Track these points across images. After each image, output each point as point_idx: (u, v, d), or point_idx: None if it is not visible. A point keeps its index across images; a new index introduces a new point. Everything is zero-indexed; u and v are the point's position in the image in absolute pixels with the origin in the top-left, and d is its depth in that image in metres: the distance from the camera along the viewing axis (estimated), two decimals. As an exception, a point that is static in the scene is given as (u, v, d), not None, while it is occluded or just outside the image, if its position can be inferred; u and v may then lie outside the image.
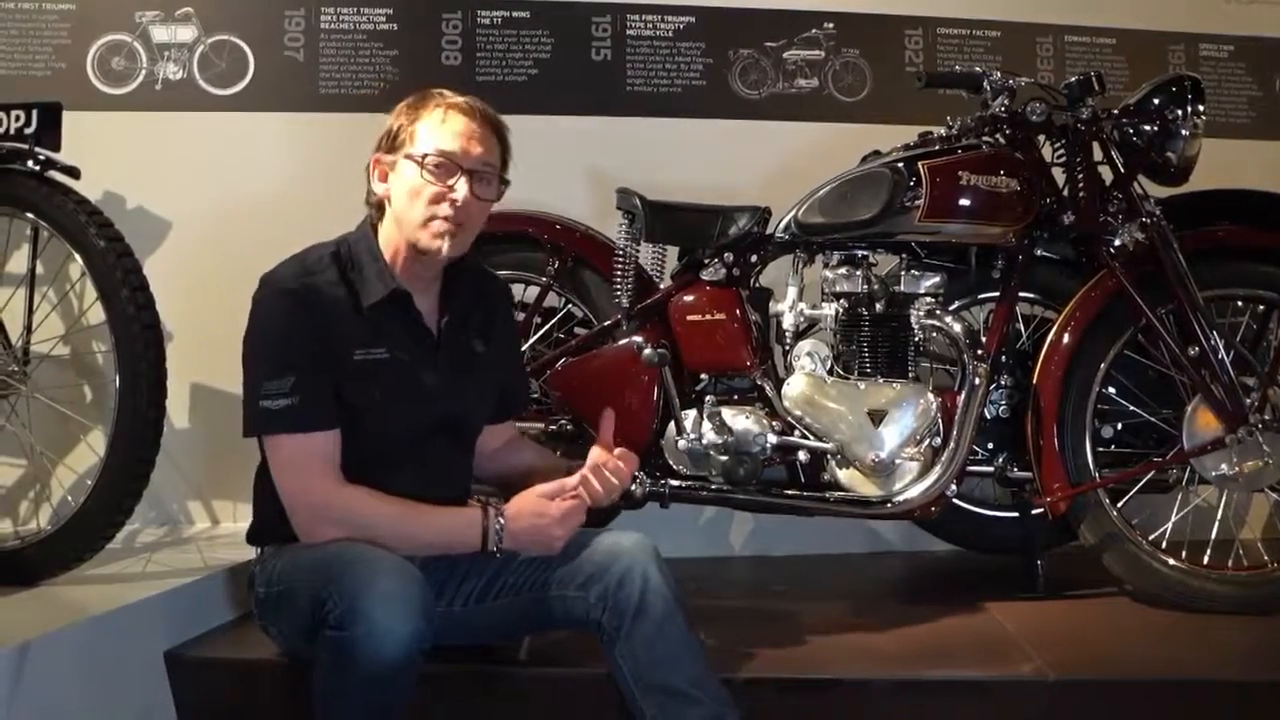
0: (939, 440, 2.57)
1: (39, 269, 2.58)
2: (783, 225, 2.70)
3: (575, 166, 3.31)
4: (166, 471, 2.71)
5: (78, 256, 2.40)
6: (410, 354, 2.00)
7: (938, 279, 2.64)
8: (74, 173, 2.47)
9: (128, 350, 2.34)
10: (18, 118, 2.47)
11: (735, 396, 2.69)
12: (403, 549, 1.86)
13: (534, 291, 2.87)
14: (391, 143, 1.99)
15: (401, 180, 1.97)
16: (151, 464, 2.38)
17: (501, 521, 1.91)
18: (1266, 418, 2.49)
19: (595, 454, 2.01)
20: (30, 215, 2.46)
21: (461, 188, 1.94)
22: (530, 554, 1.96)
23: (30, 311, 2.58)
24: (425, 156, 1.93)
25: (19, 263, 2.66)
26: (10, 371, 2.51)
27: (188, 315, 2.94)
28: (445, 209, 1.94)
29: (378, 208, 2.03)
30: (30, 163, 2.44)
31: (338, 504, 1.89)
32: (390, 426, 1.97)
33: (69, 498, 2.62)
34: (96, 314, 2.42)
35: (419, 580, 1.76)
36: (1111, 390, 2.68)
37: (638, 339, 2.66)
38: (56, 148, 2.47)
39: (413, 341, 2.01)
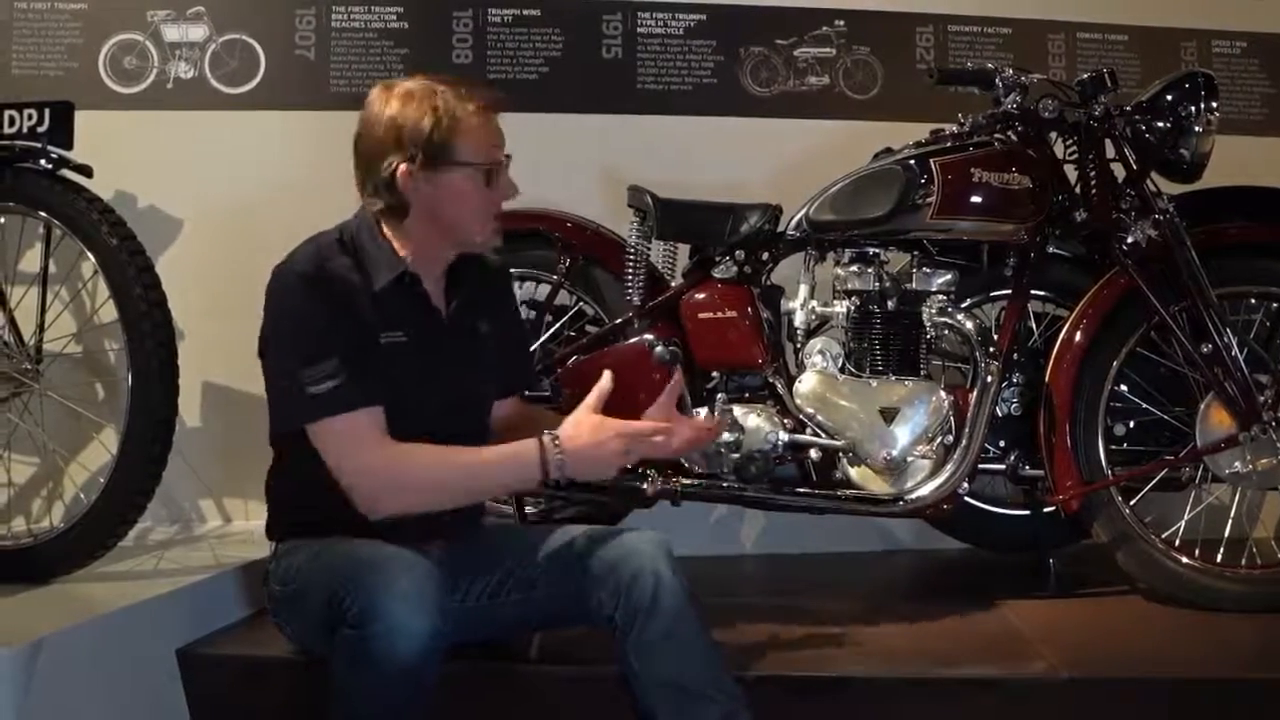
0: (951, 438, 2.56)
1: (52, 267, 2.59)
2: (794, 223, 2.70)
3: (586, 164, 3.31)
4: (179, 469, 2.72)
5: (90, 255, 2.41)
6: (423, 336, 2.00)
7: (949, 276, 2.64)
8: (86, 171, 2.48)
9: (140, 348, 2.35)
10: (30, 117, 2.48)
11: (747, 394, 2.69)
12: (467, 498, 1.90)
13: (545, 289, 2.87)
14: (427, 153, 1.91)
15: (453, 189, 1.95)
16: (164, 462, 2.39)
17: (560, 447, 1.87)
18: (1280, 415, 2.48)
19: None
20: (43, 214, 2.47)
21: (509, 183, 2.01)
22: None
23: (43, 310, 2.59)
24: (481, 166, 1.95)
25: (32, 261, 2.67)
26: (23, 369, 2.51)
27: (199, 313, 2.94)
28: (498, 207, 2.00)
29: (396, 212, 1.98)
30: (43, 162, 2.45)
31: (400, 469, 1.87)
32: (407, 408, 1.96)
33: (82, 495, 2.63)
34: (109, 312, 2.43)
35: (435, 578, 1.76)
36: (1124, 388, 2.67)
37: (649, 337, 2.66)
38: (69, 146, 2.48)
39: (424, 323, 2.02)
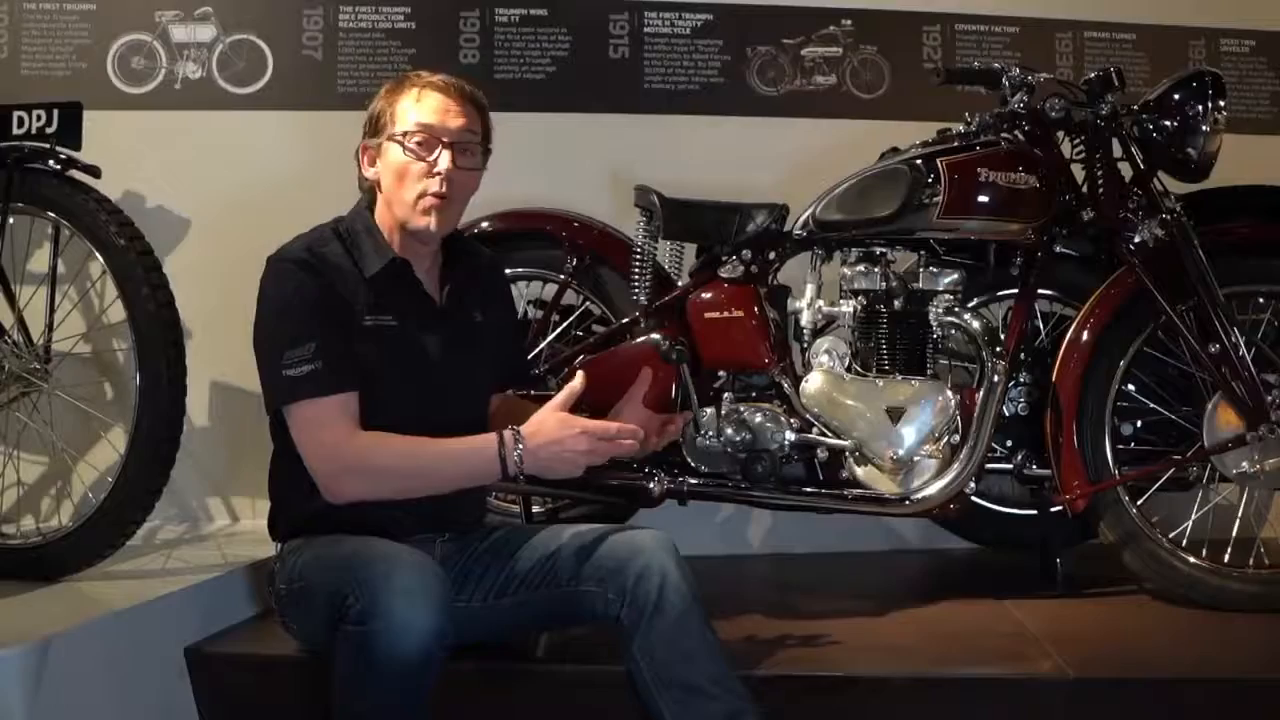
0: (957, 438, 2.56)
1: (60, 267, 2.60)
2: (801, 222, 2.70)
3: (593, 164, 3.31)
4: (186, 469, 2.73)
5: (98, 255, 2.42)
6: (416, 322, 2.02)
7: (956, 276, 2.63)
8: (95, 172, 2.48)
9: (148, 348, 2.36)
10: (39, 117, 2.49)
11: (753, 394, 2.69)
12: (426, 488, 1.89)
13: (552, 289, 2.88)
14: (374, 127, 2.03)
15: (387, 162, 2.01)
16: (172, 461, 2.40)
17: (521, 443, 1.86)
18: (1288, 415, 2.48)
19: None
20: (52, 214, 2.48)
21: (444, 160, 1.97)
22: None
23: (52, 310, 2.59)
24: (406, 134, 1.97)
25: (41, 261, 2.68)
26: (32, 369, 2.52)
27: (207, 313, 2.95)
28: (433, 184, 1.97)
29: (370, 192, 2.07)
30: (51, 162, 2.46)
31: (357, 453, 1.88)
32: (398, 394, 1.98)
33: (90, 495, 2.64)
34: (117, 312, 2.44)
35: (439, 576, 1.77)
36: (1131, 387, 2.67)
37: (656, 336, 2.66)
38: (77, 147, 2.49)
39: (417, 309, 2.03)
